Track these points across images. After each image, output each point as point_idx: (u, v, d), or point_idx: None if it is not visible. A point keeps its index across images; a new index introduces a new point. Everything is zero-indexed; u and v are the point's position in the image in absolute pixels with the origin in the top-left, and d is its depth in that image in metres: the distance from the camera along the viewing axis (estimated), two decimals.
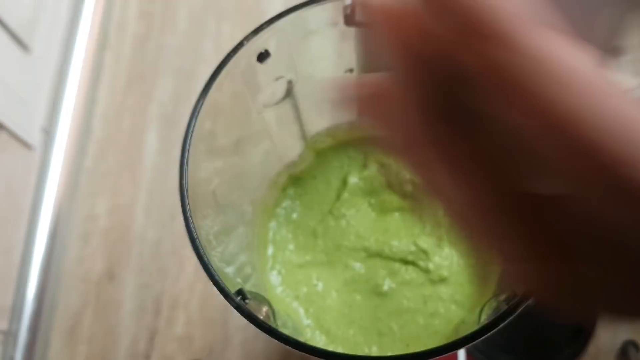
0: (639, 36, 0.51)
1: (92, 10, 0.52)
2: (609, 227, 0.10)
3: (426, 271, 0.32)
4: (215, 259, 0.24)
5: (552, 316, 0.43)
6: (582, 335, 0.42)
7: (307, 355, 0.22)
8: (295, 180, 0.35)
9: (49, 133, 0.48)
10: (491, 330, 0.22)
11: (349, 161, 0.35)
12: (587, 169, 0.09)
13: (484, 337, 0.22)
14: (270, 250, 0.34)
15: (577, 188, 0.09)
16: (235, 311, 0.22)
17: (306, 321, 0.32)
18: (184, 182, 0.23)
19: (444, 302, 0.31)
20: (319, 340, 0.31)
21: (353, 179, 0.34)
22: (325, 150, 0.35)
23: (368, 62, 0.29)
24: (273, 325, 0.23)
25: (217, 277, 0.22)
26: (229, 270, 0.27)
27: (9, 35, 0.42)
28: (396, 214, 0.33)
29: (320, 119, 0.33)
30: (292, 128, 0.32)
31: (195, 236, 0.23)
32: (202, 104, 0.24)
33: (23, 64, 0.45)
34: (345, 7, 0.25)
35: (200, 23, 0.54)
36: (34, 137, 0.46)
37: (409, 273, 0.32)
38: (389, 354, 0.30)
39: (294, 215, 0.34)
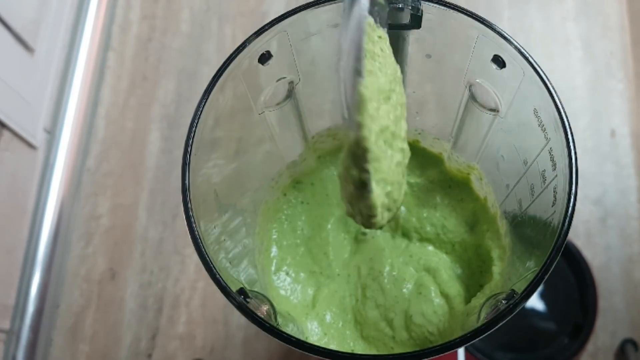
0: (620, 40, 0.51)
1: (95, 12, 0.52)
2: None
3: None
4: (216, 258, 0.24)
5: (551, 315, 0.43)
6: (581, 333, 0.42)
7: (308, 353, 0.22)
8: (296, 184, 0.35)
9: (52, 133, 0.49)
10: (490, 329, 0.22)
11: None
12: None
13: (483, 336, 0.22)
14: (271, 251, 0.34)
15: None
16: (236, 310, 0.22)
17: (307, 320, 0.32)
18: (186, 182, 0.23)
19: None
20: (320, 340, 0.32)
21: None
22: (324, 156, 0.35)
23: None
24: (274, 324, 0.23)
25: (218, 276, 0.22)
26: (230, 269, 0.27)
27: (12, 36, 0.42)
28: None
29: (321, 120, 0.34)
30: (293, 128, 0.32)
31: (197, 235, 0.23)
32: (204, 104, 0.25)
33: (27, 65, 0.45)
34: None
35: (203, 25, 0.54)
36: (38, 137, 0.46)
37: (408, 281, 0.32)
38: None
39: (295, 223, 0.35)
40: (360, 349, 0.31)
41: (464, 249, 0.33)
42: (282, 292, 0.33)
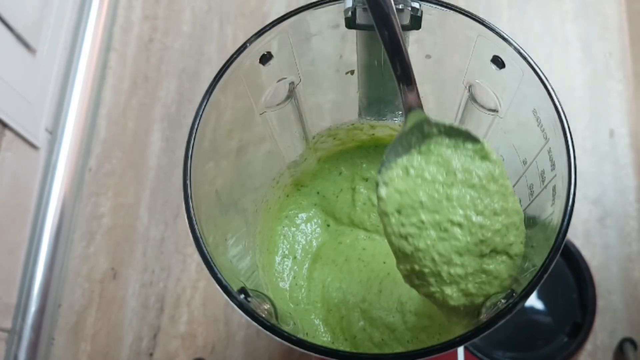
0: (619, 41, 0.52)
1: (96, 12, 0.52)
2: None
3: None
4: (217, 257, 0.24)
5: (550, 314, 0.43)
6: (580, 332, 0.42)
7: (308, 352, 0.22)
8: (297, 186, 0.36)
9: (54, 134, 0.49)
10: (489, 329, 0.22)
11: (341, 179, 0.36)
12: None
13: (482, 335, 0.22)
14: (273, 250, 0.34)
15: None
16: (237, 309, 0.22)
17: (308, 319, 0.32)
18: (188, 181, 0.24)
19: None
20: (324, 339, 0.32)
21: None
22: (323, 163, 0.36)
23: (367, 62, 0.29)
24: (275, 323, 0.23)
25: (219, 276, 0.22)
26: (232, 268, 0.27)
27: (14, 37, 0.43)
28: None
29: (322, 120, 0.34)
30: (294, 128, 0.32)
31: (199, 235, 0.23)
32: (205, 104, 0.25)
33: (28, 65, 0.45)
34: (346, 10, 0.26)
35: (204, 25, 0.54)
36: (39, 137, 0.47)
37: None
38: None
39: (297, 221, 0.35)
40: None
41: None
42: (281, 289, 0.33)
